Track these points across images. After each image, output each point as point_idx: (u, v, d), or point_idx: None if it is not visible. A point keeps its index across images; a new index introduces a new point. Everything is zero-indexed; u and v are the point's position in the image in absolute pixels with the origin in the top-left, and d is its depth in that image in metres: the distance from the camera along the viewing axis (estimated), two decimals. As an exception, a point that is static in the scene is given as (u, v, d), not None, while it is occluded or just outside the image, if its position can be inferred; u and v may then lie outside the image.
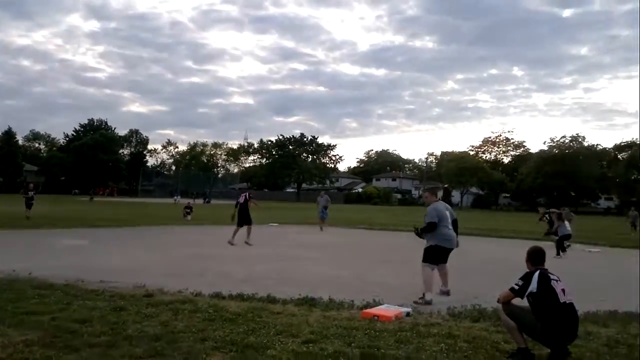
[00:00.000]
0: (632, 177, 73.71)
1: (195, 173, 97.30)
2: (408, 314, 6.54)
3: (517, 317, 4.82)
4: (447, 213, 8.00)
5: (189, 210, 27.63)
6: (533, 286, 4.74)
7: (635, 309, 7.03)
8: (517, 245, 15.64)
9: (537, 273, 4.83)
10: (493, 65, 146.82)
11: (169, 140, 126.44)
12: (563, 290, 4.76)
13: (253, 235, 15.28)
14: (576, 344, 5.30)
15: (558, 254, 14.50)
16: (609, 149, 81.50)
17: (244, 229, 15.18)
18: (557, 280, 4.82)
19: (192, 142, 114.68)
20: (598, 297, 8.22)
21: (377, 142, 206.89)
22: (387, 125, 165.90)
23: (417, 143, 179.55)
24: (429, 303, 7.35)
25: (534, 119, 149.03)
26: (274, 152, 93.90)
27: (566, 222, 15.66)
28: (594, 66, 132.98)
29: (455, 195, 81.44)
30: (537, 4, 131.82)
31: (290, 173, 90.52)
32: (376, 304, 7.03)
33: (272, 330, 5.47)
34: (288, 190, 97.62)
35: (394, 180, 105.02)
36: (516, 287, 4.80)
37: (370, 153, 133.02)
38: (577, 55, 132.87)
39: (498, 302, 5.02)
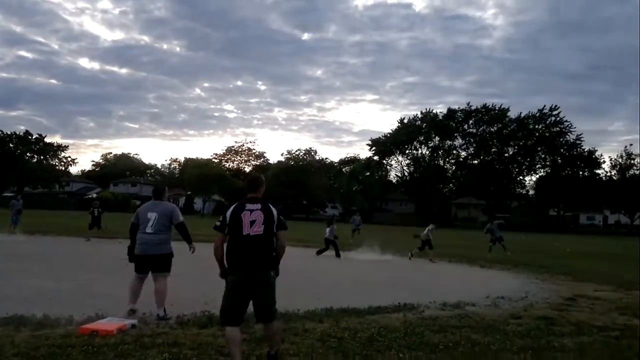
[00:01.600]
0: (353, 188, 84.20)
1: None
2: (133, 326, 6.20)
3: None
4: (154, 215, 7.05)
5: None
6: (228, 217, 4.69)
7: (347, 305, 7.89)
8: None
9: (233, 205, 4.79)
10: (238, 77, 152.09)
11: None
12: (253, 222, 4.61)
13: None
14: (294, 341, 5.72)
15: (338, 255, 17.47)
16: (336, 163, 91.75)
17: None
18: (251, 211, 4.66)
19: None
20: (316, 295, 9.01)
21: (117, 145, 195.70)
22: (129, 127, 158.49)
23: (162, 148, 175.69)
24: (131, 313, 6.92)
25: (275, 132, 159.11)
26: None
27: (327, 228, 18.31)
28: (326, 88, 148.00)
29: (198, 202, 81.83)
30: (280, 25, 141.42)
31: (9, 174, 79.23)
32: (99, 317, 6.52)
33: (-39, 357, 4.62)
34: (7, 194, 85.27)
35: (133, 185, 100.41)
36: (218, 224, 4.74)
37: (109, 156, 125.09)
38: (312, 76, 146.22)
39: (215, 250, 4.76)
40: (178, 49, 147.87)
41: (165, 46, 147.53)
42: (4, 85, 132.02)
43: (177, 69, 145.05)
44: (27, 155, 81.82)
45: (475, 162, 78.21)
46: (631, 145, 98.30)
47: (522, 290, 10.58)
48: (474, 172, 77.85)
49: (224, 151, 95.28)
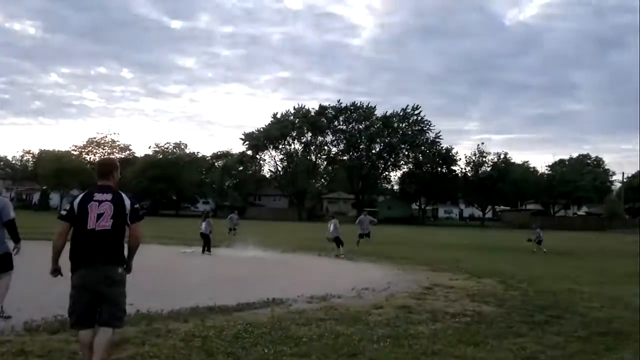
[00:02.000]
0: (226, 184, 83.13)
1: None
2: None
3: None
4: None
5: None
6: (76, 207, 4.27)
7: (214, 303, 7.74)
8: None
9: (84, 192, 4.42)
10: (101, 63, 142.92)
11: None
12: (100, 215, 4.23)
13: None
14: (155, 343, 5.48)
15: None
16: (208, 157, 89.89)
17: None
18: (100, 202, 4.27)
19: None
20: (183, 294, 8.76)
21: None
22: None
23: (12, 138, 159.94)
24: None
25: (142, 123, 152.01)
26: None
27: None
28: (198, 79, 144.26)
29: (54, 198, 75.85)
30: (148, 10, 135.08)
31: None
32: None
33: None
34: None
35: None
36: (63, 213, 4.30)
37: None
38: (184, 66, 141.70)
39: (55, 242, 4.30)
40: (32, 30, 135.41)
41: (17, 26, 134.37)
42: None
43: (31, 52, 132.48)
44: None
45: (345, 158, 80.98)
46: (483, 144, 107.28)
47: (385, 281, 11.12)
48: (344, 168, 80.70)
49: (85, 142, 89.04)
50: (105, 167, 4.55)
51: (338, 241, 17.68)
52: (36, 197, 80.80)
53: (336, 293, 9.18)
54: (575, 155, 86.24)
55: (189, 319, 6.73)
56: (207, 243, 17.54)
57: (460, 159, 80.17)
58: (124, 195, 4.42)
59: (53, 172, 68.91)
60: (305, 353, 5.23)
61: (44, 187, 76.85)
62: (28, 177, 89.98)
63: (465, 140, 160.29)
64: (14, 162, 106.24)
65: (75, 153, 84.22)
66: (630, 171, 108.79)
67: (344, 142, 79.56)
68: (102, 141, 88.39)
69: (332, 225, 18.10)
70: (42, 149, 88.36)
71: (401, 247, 22.55)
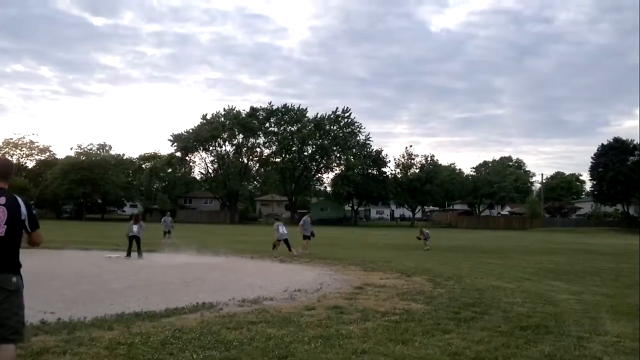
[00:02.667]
0: (154, 186, 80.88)
1: None
2: None
3: None
4: None
5: None
6: None
7: (141, 309, 7.49)
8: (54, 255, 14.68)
9: None
10: (18, 60, 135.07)
11: None
12: None
13: None
14: (77, 352, 5.22)
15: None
16: (135, 159, 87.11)
17: None
18: None
19: None
20: (108, 301, 8.41)
21: None
22: None
23: None
24: None
25: (64, 123, 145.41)
26: None
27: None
28: (123, 78, 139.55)
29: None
30: (67, 6, 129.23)
31: None
32: None
33: None
34: None
35: None
36: None
37: None
38: (107, 64, 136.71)
39: None
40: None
41: None
42: None
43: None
44: None
45: (278, 160, 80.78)
46: (411, 146, 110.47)
47: (317, 282, 11.17)
48: (276, 170, 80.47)
49: (1, 144, 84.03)
50: (3, 167, 4.08)
51: (287, 242, 17.87)
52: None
53: (268, 295, 9.12)
54: (498, 157, 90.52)
55: (114, 326, 6.45)
56: (138, 246, 16.91)
57: (390, 161, 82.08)
58: (19, 199, 4.01)
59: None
60: (236, 357, 5.15)
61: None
62: None
63: (395, 142, 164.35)
64: None
65: (-11, 155, 79.20)
66: (549, 173, 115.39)
67: (276, 144, 79.36)
68: (20, 142, 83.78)
69: (282, 227, 18.24)
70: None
71: (334, 248, 22.75)
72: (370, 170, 79.00)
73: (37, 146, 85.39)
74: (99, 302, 8.38)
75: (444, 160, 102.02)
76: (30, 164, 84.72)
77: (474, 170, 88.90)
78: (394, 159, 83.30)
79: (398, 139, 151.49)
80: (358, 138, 79.38)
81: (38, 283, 9.70)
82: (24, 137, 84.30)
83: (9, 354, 3.83)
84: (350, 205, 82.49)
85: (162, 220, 25.79)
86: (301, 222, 20.25)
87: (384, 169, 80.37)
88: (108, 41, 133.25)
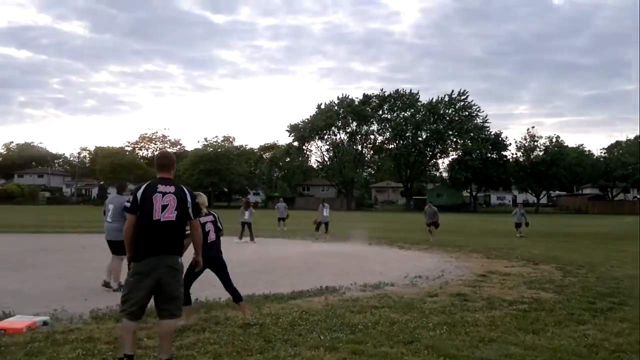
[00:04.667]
0: (275, 175, 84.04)
1: None
2: (45, 323, 5.89)
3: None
4: (111, 206, 8.56)
5: None
6: (139, 197, 4.33)
7: (269, 292, 7.88)
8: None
9: (147, 183, 4.45)
10: (149, 60, 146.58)
11: None
12: (165, 206, 4.31)
13: None
14: (214, 330, 5.64)
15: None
16: (256, 149, 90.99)
17: None
18: (164, 194, 4.34)
19: None
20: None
21: (19, 133, 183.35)
22: (32, 114, 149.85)
23: (69, 136, 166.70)
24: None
25: (191, 118, 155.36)
26: None
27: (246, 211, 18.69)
28: (243, 72, 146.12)
29: (112, 192, 78.46)
30: (190, 6, 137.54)
31: None
32: (7, 316, 6.14)
33: None
34: None
35: (40, 176, 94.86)
36: (128, 205, 4.39)
37: (11, 146, 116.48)
38: (228, 60, 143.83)
39: (125, 233, 4.34)
40: (81, 30, 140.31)
41: (66, 27, 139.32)
42: None
43: (81, 52, 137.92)
44: None
45: (392, 146, 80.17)
46: (534, 127, 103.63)
47: (438, 269, 11.03)
48: (391, 156, 79.97)
49: (137, 138, 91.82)
50: (166, 160, 4.60)
51: (327, 225, 19.50)
52: (95, 191, 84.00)
53: (389, 281, 9.18)
54: (632, 136, 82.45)
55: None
56: (250, 231, 17.98)
57: (511, 144, 78.10)
58: (185, 188, 4.50)
59: (109, 167, 71.45)
60: (361, 340, 5.26)
61: (101, 182, 79.76)
62: (86, 173, 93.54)
63: (515, 124, 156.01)
64: (72, 159, 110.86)
65: (128, 149, 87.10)
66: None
67: (390, 130, 78.70)
68: (154, 136, 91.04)
69: (326, 211, 19.84)
70: (98, 146, 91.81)
71: (453, 235, 22.24)
72: (489, 154, 75.69)
73: (169, 140, 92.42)
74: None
75: (570, 141, 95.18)
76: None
77: (604, 151, 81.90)
78: (515, 142, 79.03)
79: (519, 120, 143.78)
80: (475, 121, 76.33)
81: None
82: (156, 132, 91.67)
83: (171, 326, 4.38)
84: (469, 191, 79.85)
85: (276, 206, 26.64)
86: (275, 207, 22.68)
87: (504, 153, 76.64)
88: (228, 37, 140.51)
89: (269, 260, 13.10)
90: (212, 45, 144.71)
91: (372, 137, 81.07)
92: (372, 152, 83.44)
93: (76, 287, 8.49)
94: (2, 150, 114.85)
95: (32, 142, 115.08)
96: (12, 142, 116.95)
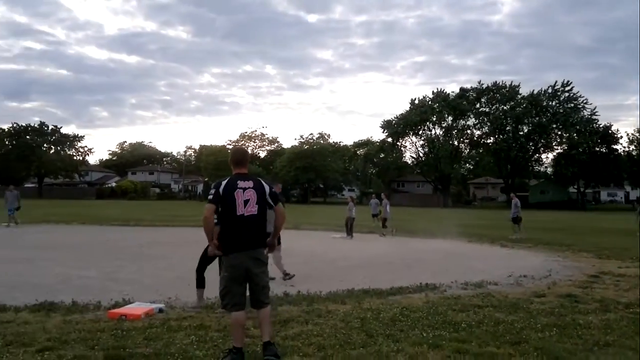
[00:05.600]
0: (369, 171, 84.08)
1: None
2: (160, 310, 6.31)
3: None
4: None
5: None
6: (221, 192, 4.50)
7: (368, 287, 7.93)
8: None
9: (227, 179, 4.61)
10: (247, 61, 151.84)
11: None
12: (247, 201, 4.49)
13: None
14: (317, 322, 5.76)
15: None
16: (350, 146, 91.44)
17: None
18: (244, 189, 4.52)
19: None
20: (337, 277, 9.08)
21: (131, 134, 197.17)
22: (142, 115, 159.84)
23: (175, 135, 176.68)
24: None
25: (287, 116, 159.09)
26: (7, 143, 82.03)
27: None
28: (336, 70, 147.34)
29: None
30: (285, 7, 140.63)
31: (28, 166, 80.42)
32: (126, 303, 6.66)
33: (-1, 341, 4.75)
34: (27, 185, 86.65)
35: (151, 174, 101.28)
36: (211, 197, 4.56)
37: (124, 145, 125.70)
38: (322, 58, 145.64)
39: (206, 222, 4.45)
40: (184, 35, 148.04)
41: (171, 32, 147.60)
42: (14, 77, 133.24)
43: (185, 56, 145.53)
44: (44, 147, 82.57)
45: (490, 141, 77.24)
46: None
47: (544, 269, 10.53)
48: (489, 151, 77.09)
49: (238, 137, 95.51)
50: (242, 155, 4.82)
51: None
52: (199, 187, 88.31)
53: (492, 280, 8.89)
54: None
55: (346, 300, 6.96)
56: (350, 226, 18.35)
57: (622, 137, 72.57)
58: (262, 181, 4.67)
59: (212, 164, 74.92)
60: (465, 339, 5.14)
61: (205, 179, 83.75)
62: (192, 170, 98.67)
63: (628, 115, 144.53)
64: (179, 157, 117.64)
65: (230, 147, 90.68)
66: None
67: (488, 124, 75.77)
68: (253, 135, 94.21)
69: (387, 206, 20.13)
70: (202, 145, 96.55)
71: (559, 234, 21.08)
72: (598, 148, 70.85)
73: (267, 138, 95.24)
74: (330, 278, 9.08)
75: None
76: (262, 154, 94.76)
77: None
78: (627, 135, 73.43)
79: (631, 112, 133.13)
80: (582, 113, 71.52)
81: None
82: (255, 131, 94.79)
83: (267, 314, 4.61)
84: (576, 187, 75.22)
85: (370, 203, 26.44)
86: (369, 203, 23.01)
87: (614, 146, 71.45)
88: (322, 36, 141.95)
89: (366, 256, 13.14)
90: (306, 45, 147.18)
91: (469, 131, 78.55)
92: (469, 147, 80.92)
93: (186, 277, 8.96)
94: (116, 150, 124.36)
95: (143, 142, 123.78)
96: (125, 142, 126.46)
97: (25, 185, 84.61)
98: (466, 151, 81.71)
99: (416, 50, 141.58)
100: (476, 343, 5.01)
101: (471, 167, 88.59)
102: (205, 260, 6.91)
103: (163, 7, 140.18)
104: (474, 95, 76.27)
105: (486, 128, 76.44)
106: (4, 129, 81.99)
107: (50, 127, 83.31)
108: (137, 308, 6.23)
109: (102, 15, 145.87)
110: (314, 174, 74.55)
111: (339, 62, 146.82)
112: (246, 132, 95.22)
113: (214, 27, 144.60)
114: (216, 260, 6.65)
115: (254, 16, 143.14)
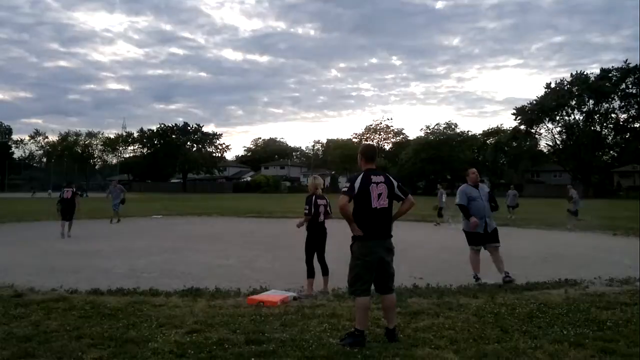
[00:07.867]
0: (500, 161, 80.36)
1: (69, 165, 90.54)
2: (295, 298, 6.64)
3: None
4: None
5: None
6: (356, 187, 4.79)
7: (500, 281, 7.67)
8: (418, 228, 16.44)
9: (362, 174, 4.89)
10: (373, 54, 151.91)
11: (36, 130, 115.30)
12: (380, 195, 4.80)
13: (135, 227, 14.70)
14: (449, 315, 5.71)
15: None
16: (479, 135, 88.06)
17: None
18: (377, 184, 4.84)
19: (63, 132, 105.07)
20: (469, 272, 8.85)
21: (264, 130, 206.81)
22: (274, 112, 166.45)
23: (304, 131, 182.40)
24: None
25: (413, 107, 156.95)
26: (155, 142, 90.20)
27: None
28: (464, 57, 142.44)
29: (342, 181, 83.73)
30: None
31: (174, 163, 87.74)
32: (263, 290, 7.08)
33: (154, 323, 5.31)
34: (173, 181, 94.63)
35: (282, 168, 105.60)
36: (346, 189, 4.82)
37: (258, 141, 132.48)
38: (449, 45, 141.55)
39: (344, 210, 4.73)
40: (312, 32, 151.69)
41: (300, 30, 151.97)
42: (162, 82, 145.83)
43: (312, 52, 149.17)
44: (187, 145, 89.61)
45: (638, 125, 70.02)
46: None
47: None
48: (637, 137, 69.96)
49: (363, 130, 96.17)
50: (373, 152, 5.17)
51: (441, 211, 19.89)
52: (327, 180, 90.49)
53: (641, 276, 8.17)
54: None
55: (479, 295, 6.80)
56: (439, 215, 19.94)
57: None
58: (389, 175, 5.01)
59: (339, 158, 76.40)
60: (612, 338, 4.80)
61: (332, 172, 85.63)
62: (320, 164, 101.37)
63: None
64: (307, 151, 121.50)
65: (356, 140, 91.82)
66: None
67: (636, 107, 68.75)
68: (378, 127, 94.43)
69: (444, 196, 20.42)
70: (329, 139, 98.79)
71: None
72: None
73: (392, 130, 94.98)
74: (460, 271, 8.89)
75: None
76: (387, 146, 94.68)
77: None
78: None
79: None
80: None
81: (406, 251, 10.86)
82: (380, 123, 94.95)
83: (394, 300, 4.98)
84: None
85: (507, 194, 24.99)
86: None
87: None
88: (448, 22, 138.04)
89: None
90: (432, 32, 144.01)
91: (613, 115, 71.94)
92: (613, 132, 74.09)
93: (317, 266, 9.33)
94: (251, 146, 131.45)
95: (275, 138, 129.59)
96: (259, 138, 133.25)
97: (171, 181, 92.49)
98: (610, 137, 74.96)
99: (554, 30, 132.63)
100: (624, 342, 4.68)
101: (616, 154, 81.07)
102: (311, 251, 7.32)
103: (292, 6, 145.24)
104: (619, 75, 69.47)
105: (633, 111, 69.49)
106: (153, 130, 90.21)
107: (192, 127, 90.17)
108: (273, 295, 6.61)
109: (237, 18, 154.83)
110: (440, 165, 72.87)
111: (468, 48, 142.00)
112: (371, 125, 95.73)
113: (341, 22, 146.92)
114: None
115: (380, 7, 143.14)
